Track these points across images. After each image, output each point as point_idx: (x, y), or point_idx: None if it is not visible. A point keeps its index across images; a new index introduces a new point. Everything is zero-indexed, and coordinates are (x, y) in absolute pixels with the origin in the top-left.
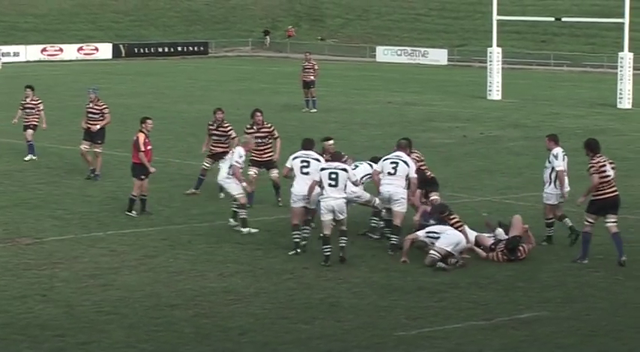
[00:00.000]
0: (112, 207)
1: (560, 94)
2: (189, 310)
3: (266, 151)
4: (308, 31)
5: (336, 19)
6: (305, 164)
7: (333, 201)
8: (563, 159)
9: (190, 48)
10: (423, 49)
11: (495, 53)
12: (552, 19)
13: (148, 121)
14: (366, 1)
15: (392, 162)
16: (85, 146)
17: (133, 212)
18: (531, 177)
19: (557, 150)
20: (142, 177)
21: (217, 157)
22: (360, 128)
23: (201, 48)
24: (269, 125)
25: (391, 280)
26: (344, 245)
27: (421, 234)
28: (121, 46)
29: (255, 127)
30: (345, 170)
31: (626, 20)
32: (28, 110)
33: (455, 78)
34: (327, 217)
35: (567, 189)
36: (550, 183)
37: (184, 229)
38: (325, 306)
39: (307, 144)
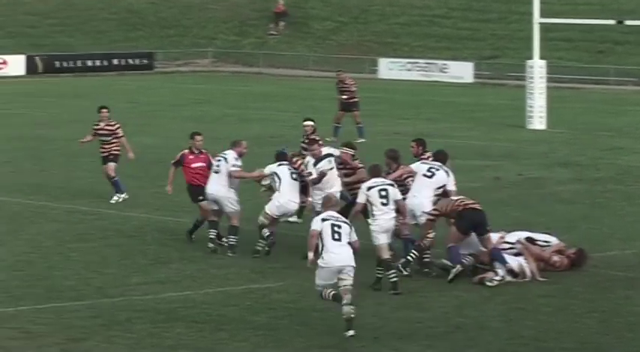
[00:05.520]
0: (25, 273)
1: (624, 122)
2: None
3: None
4: (288, 37)
5: (326, 22)
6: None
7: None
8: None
9: (130, 61)
10: (441, 62)
11: (537, 67)
12: (613, 22)
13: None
14: (365, 0)
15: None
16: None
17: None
18: (588, 232)
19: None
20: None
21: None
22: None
23: (145, 61)
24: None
25: None
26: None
27: None
28: (37, 58)
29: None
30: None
31: None
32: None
33: (484, 100)
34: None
35: None
36: None
37: (121, 303)
38: None
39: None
